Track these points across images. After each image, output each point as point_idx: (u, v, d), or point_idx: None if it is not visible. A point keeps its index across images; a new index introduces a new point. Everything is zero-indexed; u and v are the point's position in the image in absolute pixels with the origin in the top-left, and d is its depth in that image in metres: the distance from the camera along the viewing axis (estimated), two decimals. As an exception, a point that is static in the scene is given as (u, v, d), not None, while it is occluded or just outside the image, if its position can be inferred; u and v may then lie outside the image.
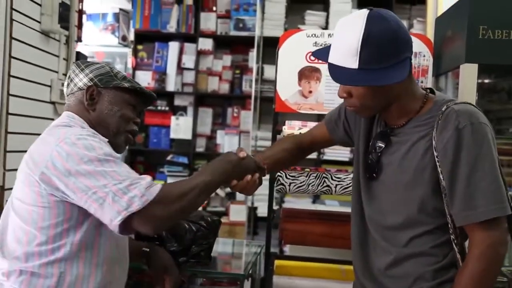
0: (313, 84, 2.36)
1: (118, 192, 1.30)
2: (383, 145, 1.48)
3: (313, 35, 2.37)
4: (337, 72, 1.38)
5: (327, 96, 2.34)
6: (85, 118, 1.54)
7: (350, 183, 2.22)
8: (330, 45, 1.43)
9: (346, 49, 1.35)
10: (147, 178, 1.35)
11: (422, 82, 2.27)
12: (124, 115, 1.57)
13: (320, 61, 2.34)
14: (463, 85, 2.03)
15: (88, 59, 3.39)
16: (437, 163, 1.36)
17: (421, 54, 2.27)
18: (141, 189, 1.31)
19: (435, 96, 1.47)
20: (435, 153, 1.37)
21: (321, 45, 2.35)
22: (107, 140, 1.48)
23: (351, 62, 1.34)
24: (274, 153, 1.76)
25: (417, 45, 2.27)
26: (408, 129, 1.45)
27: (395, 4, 4.62)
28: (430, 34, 4.16)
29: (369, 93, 1.40)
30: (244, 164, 1.57)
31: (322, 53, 1.46)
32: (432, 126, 1.39)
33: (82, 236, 1.40)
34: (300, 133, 2.22)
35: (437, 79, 2.44)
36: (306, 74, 2.36)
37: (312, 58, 2.36)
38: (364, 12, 1.35)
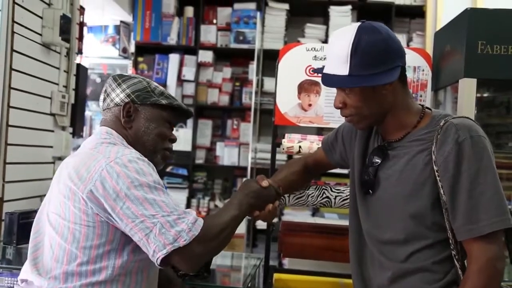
0: (313, 97, 2.37)
1: (166, 225, 1.28)
2: (380, 160, 1.48)
3: (313, 49, 2.38)
4: (328, 79, 1.44)
5: (327, 109, 2.34)
6: (122, 135, 1.51)
7: (349, 194, 2.22)
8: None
9: (337, 58, 1.39)
10: (193, 212, 1.34)
11: (421, 96, 2.27)
12: (160, 132, 1.54)
13: (320, 75, 2.35)
14: (462, 99, 2.04)
15: (89, 71, 3.41)
16: (437, 178, 1.36)
17: (420, 68, 2.29)
18: (189, 224, 1.30)
19: (432, 111, 1.49)
20: (435, 168, 1.36)
21: (320, 59, 2.36)
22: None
23: (342, 69, 1.38)
24: (285, 176, 1.78)
25: (417, 60, 2.28)
26: (406, 143, 1.45)
27: (394, 17, 4.64)
28: (429, 48, 4.18)
29: (362, 101, 1.42)
30: (266, 194, 1.58)
31: (320, 69, 1.51)
32: (431, 140, 1.39)
33: (124, 260, 1.38)
34: (300, 146, 2.23)
35: (436, 93, 2.45)
36: (306, 88, 2.37)
37: (312, 71, 2.37)
38: (356, 24, 1.42)
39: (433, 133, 1.39)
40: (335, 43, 1.42)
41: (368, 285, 1.53)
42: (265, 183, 1.58)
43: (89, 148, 1.44)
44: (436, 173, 1.36)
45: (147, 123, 1.52)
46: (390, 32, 1.42)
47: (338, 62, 1.39)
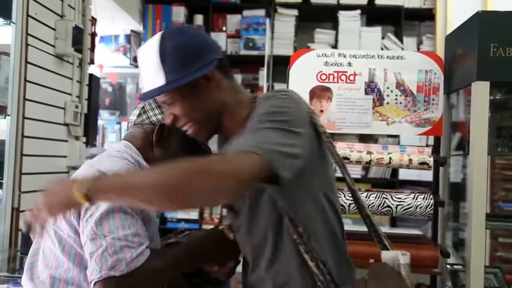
0: (324, 103, 2.37)
1: (111, 249, 1.24)
2: None
3: (324, 55, 2.39)
4: (147, 94, 1.36)
5: (339, 115, 2.35)
6: (142, 151, 1.49)
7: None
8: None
9: (151, 72, 1.33)
10: (144, 245, 1.29)
11: (433, 99, 2.27)
12: None
13: (331, 81, 2.36)
14: (475, 102, 2.03)
15: (101, 81, 3.44)
16: None
17: (432, 72, 2.28)
18: (133, 255, 1.25)
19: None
20: None
21: (331, 64, 2.37)
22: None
23: (159, 80, 1.32)
24: None
25: (428, 63, 2.28)
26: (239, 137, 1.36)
27: (404, 21, 4.63)
28: (440, 50, 4.17)
29: (188, 105, 1.35)
30: (230, 247, 1.48)
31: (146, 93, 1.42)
32: None
33: None
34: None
35: (449, 97, 2.44)
36: (317, 94, 2.38)
37: (323, 77, 2.37)
38: (159, 33, 1.36)
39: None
40: (144, 59, 1.36)
41: None
42: (231, 236, 1.48)
43: (97, 157, 1.46)
44: None
45: (177, 150, 1.50)
46: (196, 30, 1.40)
47: (153, 75, 1.32)
